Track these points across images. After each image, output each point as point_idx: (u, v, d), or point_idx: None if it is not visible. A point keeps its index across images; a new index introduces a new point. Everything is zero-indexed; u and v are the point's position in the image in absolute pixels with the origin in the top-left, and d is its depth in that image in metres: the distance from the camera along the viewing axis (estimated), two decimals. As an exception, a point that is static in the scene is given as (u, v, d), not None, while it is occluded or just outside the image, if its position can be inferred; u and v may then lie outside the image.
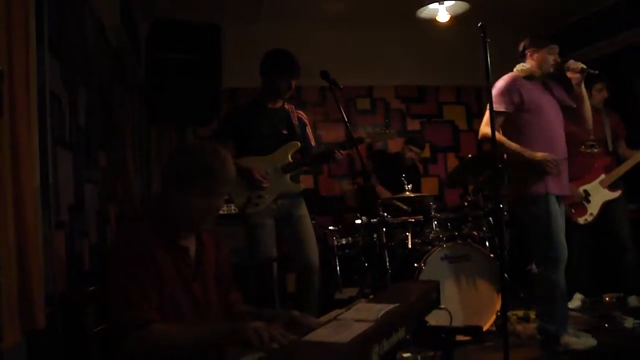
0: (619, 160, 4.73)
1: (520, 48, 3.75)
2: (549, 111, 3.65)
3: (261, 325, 1.65)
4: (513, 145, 3.58)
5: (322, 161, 3.83)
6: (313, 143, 3.84)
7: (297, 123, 3.73)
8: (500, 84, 3.69)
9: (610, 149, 4.72)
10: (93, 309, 2.01)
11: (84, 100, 2.79)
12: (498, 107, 3.55)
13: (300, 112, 3.84)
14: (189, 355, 1.72)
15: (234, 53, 4.24)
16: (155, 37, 3.68)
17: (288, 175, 3.65)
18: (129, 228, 1.86)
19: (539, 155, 3.50)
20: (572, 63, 3.51)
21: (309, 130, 3.86)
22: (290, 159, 3.65)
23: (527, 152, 3.55)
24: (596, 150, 4.71)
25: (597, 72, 3.50)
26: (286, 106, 3.77)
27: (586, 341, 3.56)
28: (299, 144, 3.68)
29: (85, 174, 2.74)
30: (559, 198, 3.62)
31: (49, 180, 2.15)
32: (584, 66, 3.49)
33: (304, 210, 3.77)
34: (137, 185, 4.28)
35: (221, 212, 4.80)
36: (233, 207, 3.83)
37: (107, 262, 1.84)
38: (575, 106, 3.69)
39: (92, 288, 2.04)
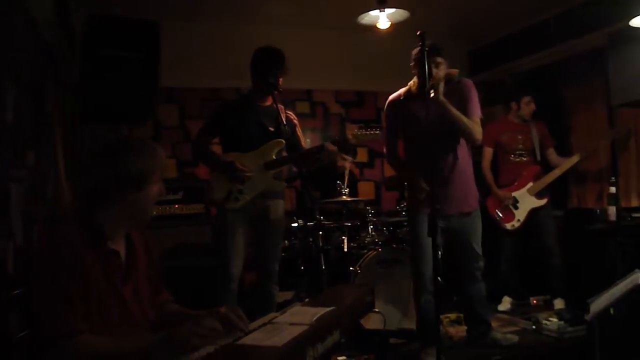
0: (547, 168, 4.93)
1: None
2: (426, 130, 3.40)
3: (192, 325, 1.64)
4: (396, 165, 3.80)
5: (307, 159, 3.77)
6: (304, 144, 3.84)
7: (284, 122, 3.71)
8: (384, 108, 3.80)
9: (538, 158, 4.91)
10: (17, 314, 1.93)
11: (11, 96, 2.68)
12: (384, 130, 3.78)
13: (289, 112, 3.85)
14: None
15: (173, 52, 4.17)
16: (91, 33, 3.57)
17: (271, 173, 3.65)
18: (55, 231, 1.79)
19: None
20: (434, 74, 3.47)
21: (299, 131, 3.87)
22: (274, 156, 3.64)
23: (403, 172, 3.75)
24: (525, 159, 4.90)
25: (437, 96, 3.43)
26: (275, 106, 3.76)
27: (509, 338, 3.84)
28: (284, 142, 3.67)
29: (11, 173, 2.63)
30: (443, 216, 3.55)
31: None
32: (431, 82, 3.40)
33: (280, 215, 3.77)
34: (68, 186, 4.13)
35: (155, 213, 4.73)
36: (214, 201, 3.76)
37: (32, 266, 1.77)
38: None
39: (16, 292, 1.95)
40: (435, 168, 3.53)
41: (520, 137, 4.90)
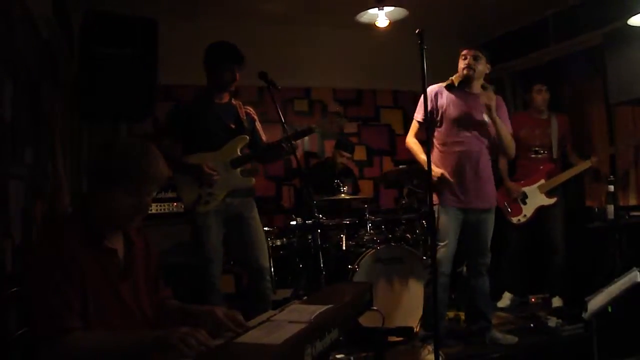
0: (563, 166, 4.92)
1: None
2: (464, 124, 3.66)
3: (186, 331, 1.62)
4: (421, 157, 3.71)
5: (271, 153, 3.74)
6: (264, 138, 3.81)
7: (245, 118, 3.70)
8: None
9: (555, 155, 4.90)
10: (15, 312, 1.93)
11: (9, 92, 2.67)
12: (416, 115, 3.81)
13: (248, 107, 3.83)
14: None
15: (170, 49, 4.16)
16: (89, 30, 3.56)
17: (238, 170, 3.62)
18: (51, 229, 1.79)
19: (435, 170, 3.58)
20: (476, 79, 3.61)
21: (258, 125, 3.84)
22: (239, 153, 3.62)
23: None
24: (540, 155, 4.89)
25: (489, 86, 3.58)
26: (233, 101, 3.75)
27: (508, 338, 3.83)
28: (247, 137, 3.65)
29: (10, 170, 2.62)
30: (466, 209, 3.68)
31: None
32: (483, 83, 3.61)
33: (254, 212, 3.74)
34: (67, 184, 4.13)
35: (154, 211, 4.74)
36: (182, 205, 3.73)
37: (28, 264, 1.77)
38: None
39: (14, 290, 1.95)
40: (463, 161, 3.65)
41: (537, 132, 4.89)
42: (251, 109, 3.85)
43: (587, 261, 4.75)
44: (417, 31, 3.01)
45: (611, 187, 4.50)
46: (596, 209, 4.81)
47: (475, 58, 3.64)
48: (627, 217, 4.50)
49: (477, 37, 6.13)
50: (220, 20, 5.53)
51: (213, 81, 3.67)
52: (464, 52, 3.69)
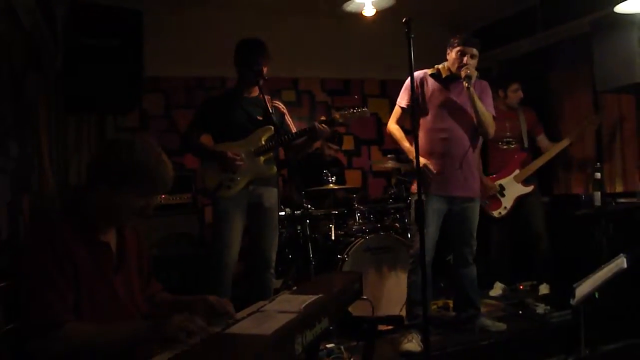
0: (534, 155, 4.96)
1: None
2: (449, 112, 3.67)
3: (182, 320, 1.62)
4: (405, 144, 3.72)
5: (305, 137, 3.73)
6: (294, 130, 3.81)
7: (272, 111, 3.70)
8: (407, 79, 3.78)
9: (526, 145, 4.93)
10: (2, 307, 1.91)
11: (-7, 85, 2.64)
12: (400, 101, 3.80)
13: (276, 101, 3.86)
14: (108, 355, 1.66)
15: (158, 40, 4.13)
16: (73, 21, 3.53)
17: (262, 159, 3.66)
18: (43, 223, 1.77)
19: (421, 161, 3.52)
20: (463, 69, 3.56)
21: (287, 118, 3.87)
22: (263, 142, 3.65)
23: (413, 154, 3.65)
24: (512, 146, 4.92)
25: (468, 87, 3.53)
26: (262, 96, 3.75)
27: (498, 325, 3.85)
28: (272, 128, 3.66)
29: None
30: (450, 198, 3.69)
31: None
32: (467, 72, 3.53)
33: (273, 202, 3.77)
34: (53, 177, 4.10)
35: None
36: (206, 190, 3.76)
37: (19, 258, 1.75)
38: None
39: (1, 285, 1.93)
40: (448, 149, 3.65)
41: (507, 124, 4.91)
42: (280, 103, 3.87)
43: (574, 248, 4.78)
44: (404, 20, 3.00)
45: (598, 175, 4.53)
46: (583, 196, 4.84)
47: (472, 57, 3.62)
48: (613, 203, 4.53)
49: (464, 25, 6.14)
50: (206, 10, 5.50)
51: (243, 75, 3.71)
52: (466, 49, 3.61)
